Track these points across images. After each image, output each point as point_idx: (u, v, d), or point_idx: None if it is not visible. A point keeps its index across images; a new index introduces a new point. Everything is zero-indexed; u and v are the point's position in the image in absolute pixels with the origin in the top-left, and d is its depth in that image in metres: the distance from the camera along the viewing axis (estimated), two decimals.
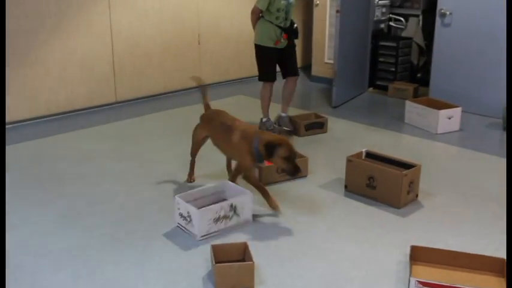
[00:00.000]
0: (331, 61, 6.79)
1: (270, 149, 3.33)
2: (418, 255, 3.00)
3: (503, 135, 5.42)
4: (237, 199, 3.36)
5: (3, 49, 5.08)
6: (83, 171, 4.33)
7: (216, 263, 2.78)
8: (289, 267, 2.98)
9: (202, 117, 4.01)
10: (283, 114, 5.49)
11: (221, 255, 2.88)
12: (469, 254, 2.96)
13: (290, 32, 5.11)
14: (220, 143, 3.77)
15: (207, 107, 4.07)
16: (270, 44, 5.07)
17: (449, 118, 5.44)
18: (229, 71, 7.53)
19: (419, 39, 7.33)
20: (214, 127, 3.81)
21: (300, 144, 4.95)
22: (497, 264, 2.89)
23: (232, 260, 2.88)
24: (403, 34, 7.41)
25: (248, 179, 3.60)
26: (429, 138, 5.28)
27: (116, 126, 5.59)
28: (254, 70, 7.72)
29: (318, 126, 5.40)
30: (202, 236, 3.22)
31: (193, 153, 4.05)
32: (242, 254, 2.94)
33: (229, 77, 7.54)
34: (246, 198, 3.38)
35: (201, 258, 3.03)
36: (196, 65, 7.07)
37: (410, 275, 2.81)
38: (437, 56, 6.36)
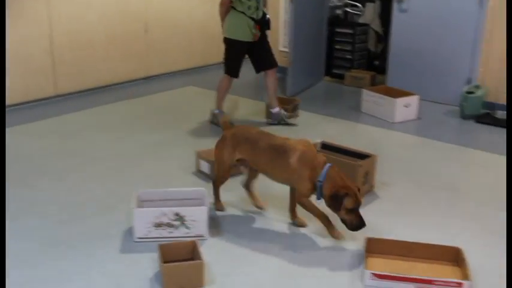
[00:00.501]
0: (286, 49, 6.84)
1: (337, 201, 3.04)
2: (373, 247, 3.08)
3: (461, 123, 5.61)
4: (185, 209, 3.20)
5: (4, 48, 4.94)
6: (20, 171, 4.24)
7: (164, 263, 2.79)
8: (241, 264, 3.01)
9: (230, 137, 3.46)
10: (276, 110, 5.45)
11: (169, 255, 2.89)
12: (424, 244, 3.07)
13: (262, 23, 5.10)
14: (268, 167, 3.35)
15: (227, 124, 3.62)
16: (243, 38, 5.05)
17: (407, 106, 5.59)
18: (179, 60, 7.49)
19: (376, 25, 7.48)
20: (255, 148, 3.35)
21: None
22: (452, 254, 3.01)
23: (181, 260, 2.89)
24: (360, 20, 7.54)
25: (304, 206, 3.29)
26: (386, 127, 5.42)
27: (55, 122, 5.48)
28: (205, 59, 7.75)
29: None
30: (139, 238, 3.20)
31: (221, 181, 3.58)
32: (191, 253, 2.95)
33: (178, 67, 7.50)
34: (198, 211, 3.22)
35: (148, 259, 3.03)
36: (143, 55, 7.01)
37: (364, 267, 2.89)
38: (394, 43, 6.51)
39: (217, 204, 3.63)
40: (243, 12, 4.97)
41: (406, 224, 3.48)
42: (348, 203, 3.03)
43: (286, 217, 3.53)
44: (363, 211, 3.47)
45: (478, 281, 2.86)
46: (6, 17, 5.53)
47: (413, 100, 5.65)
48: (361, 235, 3.22)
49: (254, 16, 5.01)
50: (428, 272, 2.90)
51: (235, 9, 4.99)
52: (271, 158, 3.29)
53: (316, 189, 3.16)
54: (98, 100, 6.18)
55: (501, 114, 5.62)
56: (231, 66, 5.27)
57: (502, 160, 4.60)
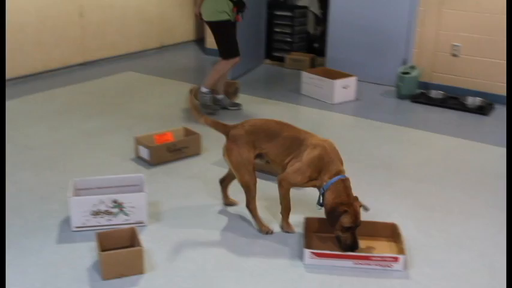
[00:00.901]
0: None
1: (334, 217, 2.88)
2: (314, 227, 3.14)
3: (397, 103, 5.75)
4: (123, 196, 3.15)
5: (3, 47, 4.64)
6: None
7: (102, 251, 2.74)
8: (182, 249, 3.00)
9: (246, 134, 3.15)
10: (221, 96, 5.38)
11: (108, 243, 2.84)
12: (362, 221, 3.13)
13: (240, 5, 5.00)
14: (280, 158, 3.11)
15: (220, 124, 3.35)
16: (226, 17, 4.94)
17: (345, 88, 5.67)
18: (116, 45, 7.32)
19: (315, 7, 7.54)
20: (276, 139, 3.11)
21: (194, 119, 4.95)
22: (389, 230, 3.10)
23: (120, 247, 2.85)
24: (299, 3, 7.58)
25: (282, 189, 3.11)
26: (326, 108, 5.49)
27: None
28: (143, 44, 7.60)
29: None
30: (77, 227, 3.14)
31: (254, 187, 3.16)
32: (130, 240, 2.92)
33: (116, 52, 7.32)
34: (137, 198, 3.18)
35: (86, 249, 2.97)
36: (79, 40, 6.80)
37: (304, 247, 2.93)
38: (332, 25, 6.58)
39: (264, 228, 3.18)
40: None
41: None
42: (345, 220, 2.85)
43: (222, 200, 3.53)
44: (301, 192, 3.53)
45: (413, 254, 2.96)
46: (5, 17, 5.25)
47: (351, 81, 5.75)
48: (299, 216, 3.27)
49: None
50: (366, 248, 2.97)
51: None
52: (289, 149, 3.08)
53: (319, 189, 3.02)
54: (31, 88, 5.97)
55: (435, 93, 5.80)
56: (231, 48, 5.11)
57: (437, 138, 4.76)
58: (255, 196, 3.17)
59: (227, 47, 5.10)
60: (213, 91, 5.30)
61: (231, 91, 5.57)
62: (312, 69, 6.37)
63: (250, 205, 3.18)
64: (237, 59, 5.15)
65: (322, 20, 7.49)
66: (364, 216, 3.19)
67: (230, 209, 3.45)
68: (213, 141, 4.48)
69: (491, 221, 3.40)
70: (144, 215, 3.21)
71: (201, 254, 2.96)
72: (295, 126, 3.19)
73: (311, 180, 3.03)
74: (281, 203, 3.18)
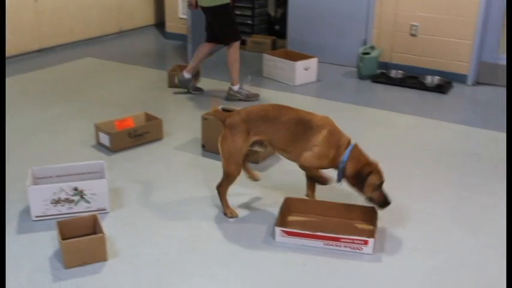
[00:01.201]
0: (186, 16, 6.72)
1: (361, 180, 2.93)
2: (293, 206, 3.16)
3: (358, 83, 5.80)
4: (84, 183, 3.10)
5: (3, 50, 4.44)
6: None
7: (64, 239, 2.70)
8: (145, 235, 2.98)
9: (241, 121, 3.05)
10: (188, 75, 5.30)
11: (69, 231, 2.79)
12: (342, 204, 3.17)
13: None
14: (288, 144, 3.04)
15: (220, 113, 3.33)
16: (227, 1, 4.88)
17: (306, 69, 5.69)
18: (74, 30, 7.15)
19: None
20: (276, 124, 3.03)
21: (155, 104, 4.91)
22: (368, 213, 3.09)
23: (82, 235, 2.80)
24: None
25: (311, 170, 3.12)
26: (288, 90, 5.50)
27: None
28: (102, 29, 7.46)
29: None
30: (37, 217, 3.08)
31: (234, 178, 3.12)
32: (92, 228, 2.88)
33: (73, 38, 7.17)
34: (97, 184, 3.13)
35: (47, 238, 2.92)
36: (34, 26, 6.62)
37: (275, 225, 2.95)
38: (292, 7, 6.57)
39: (228, 211, 3.19)
40: None
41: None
42: (373, 179, 2.91)
43: (190, 185, 3.52)
44: (266, 173, 3.54)
45: (386, 234, 2.99)
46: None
47: (312, 63, 5.76)
48: (264, 195, 3.29)
49: None
50: (340, 230, 2.95)
51: None
52: (295, 133, 3.01)
53: (337, 169, 3.00)
54: None
55: (394, 73, 5.87)
56: (235, 32, 5.09)
57: (397, 117, 4.83)
58: (230, 184, 3.14)
59: (231, 31, 5.05)
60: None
61: (193, 75, 5.52)
62: (273, 51, 6.37)
63: (222, 188, 3.16)
64: (239, 42, 5.13)
65: (282, 2, 7.47)
66: (327, 197, 3.25)
67: (196, 193, 3.43)
68: (176, 126, 4.46)
69: (450, 196, 3.48)
70: (106, 202, 3.17)
71: (164, 239, 2.94)
72: (292, 108, 3.13)
73: (333, 159, 3.00)
74: (317, 181, 3.19)
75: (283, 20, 7.31)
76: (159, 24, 8.22)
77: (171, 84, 5.48)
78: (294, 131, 3.01)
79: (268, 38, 7.05)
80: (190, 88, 5.31)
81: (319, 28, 6.43)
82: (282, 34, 7.11)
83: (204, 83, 5.62)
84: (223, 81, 5.75)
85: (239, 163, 3.10)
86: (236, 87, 5.18)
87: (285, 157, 3.19)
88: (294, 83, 5.62)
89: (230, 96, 5.17)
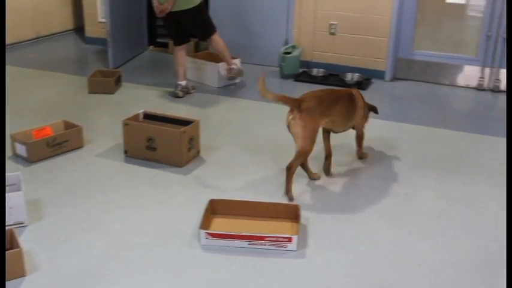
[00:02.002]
0: (105, 20, 6.58)
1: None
2: (217, 208, 3.16)
3: (281, 83, 5.88)
4: None
5: (3, 49, 4.05)
6: None
7: None
8: (65, 247, 2.89)
9: (318, 105, 3.37)
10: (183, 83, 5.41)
11: None
12: (266, 203, 3.20)
13: None
14: (345, 120, 3.64)
15: (286, 97, 3.46)
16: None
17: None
18: None
19: None
20: (337, 107, 3.51)
21: (76, 111, 4.78)
22: (292, 211, 3.14)
23: None
24: None
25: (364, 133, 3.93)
26: (211, 92, 5.49)
27: None
28: (19, 35, 7.15)
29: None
30: None
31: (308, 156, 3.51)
32: (9, 243, 2.76)
33: None
34: (13, 197, 3.00)
35: None
36: None
37: (199, 227, 2.93)
38: (214, 9, 6.56)
39: (290, 194, 3.37)
40: None
41: (234, 185, 3.58)
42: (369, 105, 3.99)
43: (112, 192, 3.45)
44: (190, 177, 3.53)
45: (309, 230, 3.04)
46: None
47: (235, 63, 5.78)
48: (189, 201, 3.27)
49: None
50: (265, 229, 2.98)
51: None
52: (348, 109, 3.62)
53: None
54: None
55: (316, 71, 6.00)
56: (212, 25, 5.39)
57: None
58: (300, 163, 3.47)
59: (209, 24, 5.36)
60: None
61: (114, 80, 5.42)
62: (196, 53, 6.34)
63: (294, 166, 3.39)
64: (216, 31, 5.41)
65: (204, 3, 7.44)
66: (254, 196, 3.27)
67: (118, 200, 3.36)
68: (98, 132, 4.36)
69: (371, 189, 3.58)
70: (23, 215, 3.05)
71: (86, 249, 2.87)
72: (332, 89, 3.87)
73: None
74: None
75: None
76: (79, 28, 8.01)
77: (92, 90, 5.35)
78: (348, 107, 3.62)
79: (191, 41, 6.99)
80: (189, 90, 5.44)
81: (241, 29, 6.46)
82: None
83: (128, 87, 5.53)
84: (147, 84, 5.68)
85: (315, 142, 3.41)
86: (235, 66, 5.52)
87: (339, 132, 3.72)
88: (218, 85, 5.62)
89: (235, 75, 5.59)
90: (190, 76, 5.83)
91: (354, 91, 3.74)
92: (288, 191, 3.38)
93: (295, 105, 3.36)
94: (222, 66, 5.62)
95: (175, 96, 5.30)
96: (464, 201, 3.42)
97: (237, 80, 5.65)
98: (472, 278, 2.68)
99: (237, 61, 5.63)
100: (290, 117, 3.37)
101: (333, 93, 3.61)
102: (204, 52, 6.32)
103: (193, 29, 5.28)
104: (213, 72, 5.64)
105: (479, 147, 4.29)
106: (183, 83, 5.35)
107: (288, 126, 3.40)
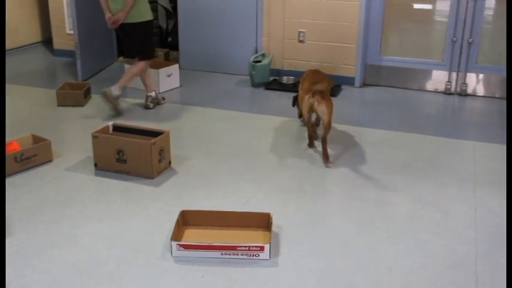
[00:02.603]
0: (73, 32, 6.53)
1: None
2: (189, 219, 3.15)
3: (252, 92, 5.91)
4: None
5: (3, 50, 3.92)
6: None
7: None
8: (36, 263, 2.85)
9: (328, 88, 4.35)
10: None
11: None
12: (237, 212, 3.20)
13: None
14: None
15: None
16: (151, 17, 5.10)
17: (169, 76, 5.87)
18: None
19: (164, 1, 7.48)
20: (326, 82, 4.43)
21: (44, 125, 4.72)
22: (263, 219, 3.14)
23: None
24: None
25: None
26: (181, 102, 5.50)
27: None
28: None
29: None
30: None
31: None
32: None
33: None
34: None
35: None
36: None
37: (171, 239, 2.92)
38: (182, 19, 6.59)
39: (329, 159, 4.08)
40: None
41: (205, 195, 3.58)
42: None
43: (83, 206, 3.42)
44: (161, 188, 3.53)
45: (281, 238, 3.06)
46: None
47: (175, 69, 5.97)
48: (160, 212, 3.26)
49: None
50: (238, 239, 2.99)
51: None
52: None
53: None
54: None
55: (286, 79, 6.05)
56: (152, 48, 5.31)
57: (289, 122, 4.96)
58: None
59: (149, 47, 5.22)
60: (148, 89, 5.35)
61: (83, 92, 5.38)
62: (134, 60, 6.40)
63: (326, 138, 4.08)
64: (149, 61, 5.27)
65: (173, 13, 7.46)
66: (225, 206, 3.28)
67: (88, 214, 3.33)
68: (66, 146, 4.32)
69: (341, 195, 3.62)
70: None
71: (57, 265, 2.83)
72: (316, 69, 4.80)
73: None
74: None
75: (175, 31, 7.30)
76: (46, 41, 7.93)
77: (61, 103, 5.30)
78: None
79: (161, 51, 7.00)
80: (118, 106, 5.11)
81: (210, 38, 6.48)
82: (175, 46, 7.10)
83: (98, 100, 5.49)
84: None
85: None
86: (117, 93, 5.01)
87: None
88: (159, 90, 5.68)
89: (110, 99, 4.98)
90: (132, 83, 5.82)
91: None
92: (327, 158, 4.06)
93: (315, 90, 4.06)
94: (162, 72, 5.76)
95: (146, 107, 5.28)
96: (433, 205, 3.47)
97: (151, 107, 5.31)
98: (442, 281, 2.73)
99: (153, 93, 5.36)
100: (311, 100, 4.04)
101: (320, 72, 4.63)
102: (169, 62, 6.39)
103: (136, 44, 5.13)
104: (154, 78, 5.67)
105: (448, 151, 4.37)
106: (153, 94, 5.33)
107: (311, 107, 4.07)
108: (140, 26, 5.02)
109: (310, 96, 4.04)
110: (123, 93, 5.18)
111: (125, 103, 5.32)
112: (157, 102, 5.35)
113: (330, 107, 4.08)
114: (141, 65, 5.17)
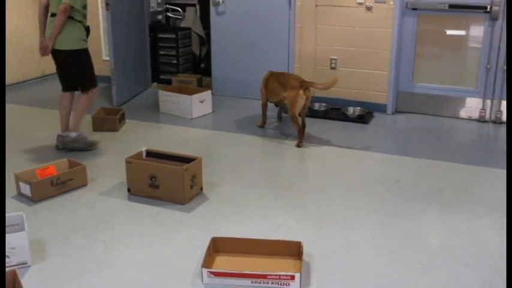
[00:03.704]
0: (109, 58, 6.70)
1: None
2: (220, 246, 3.16)
3: (285, 118, 5.90)
4: None
5: (3, 49, 4.14)
6: None
7: None
8: (69, 287, 2.90)
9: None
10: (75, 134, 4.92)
11: None
12: (267, 240, 3.20)
13: (88, 32, 4.83)
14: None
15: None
16: (86, 45, 4.76)
17: (202, 102, 5.95)
18: None
19: (198, 28, 7.61)
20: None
21: (78, 152, 4.83)
22: (294, 248, 3.13)
23: None
24: (182, 24, 7.62)
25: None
26: (203, 127, 5.62)
27: None
28: (24, 73, 7.26)
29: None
30: None
31: None
32: (11, 284, 2.77)
33: None
34: (16, 238, 3.01)
35: None
36: None
37: (202, 266, 2.93)
38: (215, 45, 6.69)
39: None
40: (80, 22, 4.67)
41: (236, 222, 3.59)
42: None
43: (116, 231, 3.47)
44: (193, 214, 3.55)
45: (312, 267, 3.04)
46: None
47: (207, 95, 6.04)
48: (192, 238, 3.28)
49: (87, 25, 4.79)
50: (268, 267, 2.98)
51: (73, 18, 4.59)
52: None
53: None
54: None
55: (318, 106, 6.05)
56: (92, 77, 4.90)
57: (322, 149, 4.97)
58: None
59: (89, 77, 4.87)
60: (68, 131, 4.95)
61: (118, 117, 5.48)
62: (168, 86, 6.58)
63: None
64: (96, 89, 4.95)
65: (206, 40, 7.58)
66: (256, 233, 3.28)
67: (121, 239, 3.37)
68: (100, 171, 4.40)
69: (373, 224, 3.59)
70: (26, 255, 3.06)
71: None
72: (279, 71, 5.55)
73: None
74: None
75: (207, 58, 7.42)
76: None
77: (96, 128, 5.41)
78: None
79: (194, 77, 7.11)
80: (86, 145, 4.92)
81: (243, 65, 6.56)
82: (207, 72, 7.20)
83: (132, 125, 5.60)
84: (148, 121, 5.75)
85: None
86: (74, 134, 4.88)
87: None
88: (192, 116, 5.80)
89: (65, 144, 4.84)
90: (164, 109, 5.99)
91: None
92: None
93: (306, 85, 4.97)
94: (194, 98, 5.81)
95: (56, 148, 4.91)
96: (467, 235, 3.41)
97: (60, 147, 4.86)
98: None
99: (76, 134, 4.92)
100: (305, 95, 4.94)
101: (282, 72, 5.53)
102: (175, 85, 6.53)
103: (74, 74, 4.83)
104: (187, 104, 5.81)
105: (481, 180, 4.30)
106: (73, 134, 4.89)
107: (307, 100, 4.96)
108: (74, 55, 4.71)
109: (303, 91, 4.88)
110: (82, 132, 5.03)
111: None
112: (67, 145, 4.87)
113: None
114: (85, 99, 4.88)
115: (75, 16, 4.61)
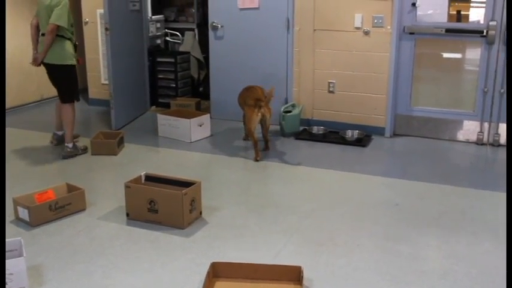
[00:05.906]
0: (108, 82, 6.72)
1: None
2: (219, 271, 3.13)
3: (283, 141, 5.92)
4: None
5: (3, 49, 4.30)
6: None
7: None
8: None
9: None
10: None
11: None
12: (267, 265, 3.18)
13: (76, 48, 5.31)
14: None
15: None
16: (74, 62, 5.25)
17: (200, 125, 5.98)
18: None
19: (197, 53, 7.66)
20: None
21: (78, 174, 4.81)
22: (294, 272, 3.11)
23: None
24: (181, 49, 7.68)
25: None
26: (201, 150, 5.60)
27: None
28: (23, 97, 7.29)
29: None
30: None
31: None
32: None
33: None
34: (14, 263, 2.99)
35: None
36: None
37: None
38: (214, 69, 6.72)
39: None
40: (69, 39, 5.13)
41: (235, 246, 3.57)
42: None
43: (115, 256, 3.44)
44: (192, 239, 3.53)
45: None
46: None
47: (206, 118, 6.10)
48: (191, 263, 3.26)
49: (75, 42, 5.26)
50: None
51: (63, 37, 5.09)
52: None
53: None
54: None
55: (316, 129, 6.06)
56: (75, 91, 5.42)
57: (320, 173, 4.96)
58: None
59: (72, 90, 5.37)
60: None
61: (117, 141, 5.48)
62: (166, 110, 6.68)
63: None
64: (75, 103, 5.45)
65: (205, 64, 7.62)
66: (255, 258, 3.26)
67: (119, 264, 3.34)
68: (99, 195, 4.38)
69: (373, 248, 3.57)
70: (24, 281, 3.03)
71: None
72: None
73: None
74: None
75: (206, 81, 7.45)
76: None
77: (95, 152, 5.41)
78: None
79: (192, 100, 7.13)
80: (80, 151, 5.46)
81: (241, 89, 6.56)
82: (206, 95, 7.22)
83: (130, 148, 5.59)
84: (146, 145, 5.74)
85: None
86: (70, 145, 5.36)
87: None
88: (191, 139, 5.84)
89: (68, 154, 5.34)
90: (163, 133, 6.03)
91: None
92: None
93: (261, 103, 5.22)
94: (193, 122, 5.86)
95: (50, 143, 5.69)
96: (468, 260, 3.40)
97: (55, 144, 5.67)
98: None
99: (71, 145, 5.40)
100: (262, 110, 5.21)
101: (252, 87, 5.63)
102: (174, 109, 6.55)
103: (57, 85, 5.39)
104: (186, 128, 5.84)
105: (481, 203, 4.29)
106: (60, 133, 5.64)
107: (263, 116, 5.24)
108: (62, 69, 5.20)
109: (258, 109, 5.17)
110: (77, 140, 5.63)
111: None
112: (74, 153, 5.40)
113: (270, 109, 5.29)
114: (68, 110, 5.34)
115: (65, 34, 5.10)
